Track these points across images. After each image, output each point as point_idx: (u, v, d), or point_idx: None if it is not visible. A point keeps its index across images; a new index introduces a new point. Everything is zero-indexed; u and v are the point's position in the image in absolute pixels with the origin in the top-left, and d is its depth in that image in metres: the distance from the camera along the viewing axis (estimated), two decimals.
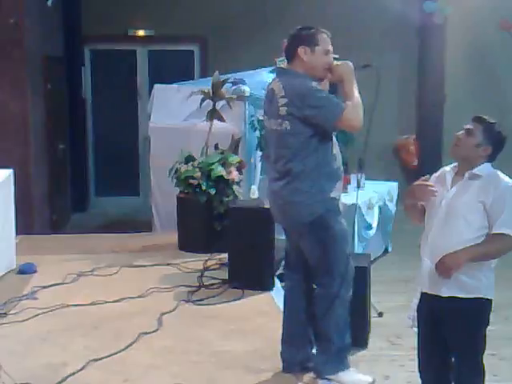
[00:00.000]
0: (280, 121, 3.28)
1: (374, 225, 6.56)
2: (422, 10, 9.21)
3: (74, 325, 4.13)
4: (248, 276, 4.72)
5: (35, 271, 5.14)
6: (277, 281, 4.84)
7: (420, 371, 3.32)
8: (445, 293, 3.05)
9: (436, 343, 3.17)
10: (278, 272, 4.90)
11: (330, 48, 3.34)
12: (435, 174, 3.28)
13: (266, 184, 5.49)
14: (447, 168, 3.20)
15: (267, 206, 4.79)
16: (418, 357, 3.30)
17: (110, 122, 9.68)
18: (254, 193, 5.94)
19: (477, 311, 3.05)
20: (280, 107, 3.27)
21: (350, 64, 3.32)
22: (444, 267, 2.95)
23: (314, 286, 3.44)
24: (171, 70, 9.38)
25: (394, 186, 7.36)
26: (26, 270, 5.11)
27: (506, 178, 3.04)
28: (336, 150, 3.38)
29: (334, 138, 3.39)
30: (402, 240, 7.28)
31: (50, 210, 7.70)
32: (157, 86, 7.00)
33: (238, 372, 3.51)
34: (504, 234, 2.93)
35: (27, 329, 4.07)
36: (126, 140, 9.73)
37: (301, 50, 3.28)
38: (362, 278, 4.75)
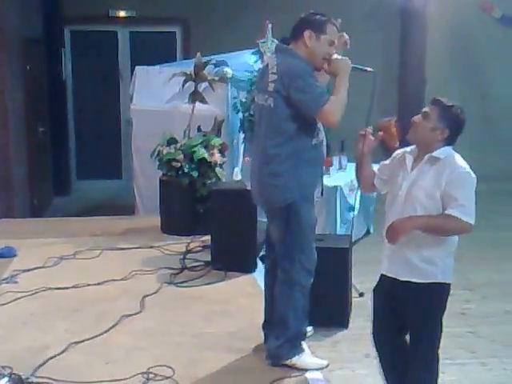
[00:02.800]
0: (266, 96, 3.29)
1: (356, 206, 6.58)
2: None
3: (56, 308, 4.12)
4: (231, 258, 4.72)
5: (15, 255, 5.10)
6: (259, 262, 4.85)
7: (377, 350, 3.30)
8: (402, 276, 3.05)
9: (391, 322, 3.18)
10: (260, 254, 4.92)
11: (336, 41, 3.34)
12: (396, 154, 3.25)
13: (249, 166, 5.52)
14: (408, 149, 3.17)
15: (250, 188, 4.82)
16: (373, 333, 3.28)
17: (91, 104, 9.60)
18: (237, 175, 5.94)
19: (433, 296, 3.03)
20: (269, 82, 3.27)
21: (349, 62, 3.32)
22: (392, 231, 2.94)
23: None
24: (153, 51, 9.29)
25: (375, 168, 7.38)
26: (5, 254, 5.07)
27: (463, 163, 2.98)
28: (321, 136, 3.38)
29: (320, 125, 3.38)
30: (384, 221, 7.32)
31: (31, 194, 7.64)
32: (138, 68, 6.94)
33: (220, 353, 3.52)
34: (455, 216, 2.89)
35: (8, 312, 4.05)
36: (108, 122, 9.67)
37: (307, 33, 3.27)
38: (343, 259, 4.79)
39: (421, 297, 3.02)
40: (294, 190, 3.28)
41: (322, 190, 4.93)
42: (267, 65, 3.36)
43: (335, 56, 3.33)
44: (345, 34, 3.45)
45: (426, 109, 3.07)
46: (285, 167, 3.26)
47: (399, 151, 3.26)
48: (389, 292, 3.15)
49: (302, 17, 3.36)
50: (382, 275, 3.17)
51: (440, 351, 3.09)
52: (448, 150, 3.03)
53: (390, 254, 3.10)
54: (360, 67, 3.42)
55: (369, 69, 3.43)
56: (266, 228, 3.60)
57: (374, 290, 3.27)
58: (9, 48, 6.95)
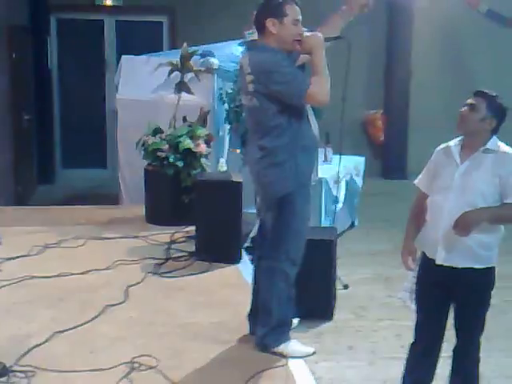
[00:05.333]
0: (250, 97, 3.28)
1: (341, 199, 6.61)
2: None
3: (39, 297, 4.11)
4: (215, 249, 4.73)
5: None
6: (244, 253, 4.86)
7: (419, 336, 3.38)
8: (462, 264, 3.14)
9: (440, 310, 3.27)
10: (245, 245, 4.93)
11: (300, 18, 3.28)
12: (440, 149, 3.30)
13: (235, 157, 5.51)
14: (451, 143, 3.25)
15: (235, 179, 4.83)
16: (418, 320, 3.37)
17: (76, 93, 9.54)
18: (223, 166, 5.94)
19: (489, 279, 3.19)
20: (248, 84, 3.26)
21: (320, 35, 3.25)
22: (464, 224, 3.01)
23: None
24: (139, 41, 9.25)
25: (360, 161, 7.41)
26: None
27: None
28: (311, 119, 3.38)
29: (309, 109, 3.38)
30: (368, 214, 7.36)
31: (15, 182, 7.60)
32: (124, 57, 6.90)
33: (204, 344, 3.53)
34: None
35: None
36: (93, 111, 9.62)
37: (269, 22, 3.23)
38: (327, 252, 4.81)
39: (479, 281, 3.15)
40: (292, 178, 3.28)
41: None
42: (242, 64, 3.34)
43: (305, 34, 3.26)
44: None
45: (471, 101, 3.14)
46: (284, 156, 3.26)
47: (441, 146, 3.31)
48: (443, 283, 3.21)
49: (259, 6, 3.30)
50: (436, 265, 3.20)
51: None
52: (496, 140, 3.15)
53: (446, 244, 3.14)
54: (332, 37, 3.35)
55: (342, 36, 3.39)
56: (257, 219, 3.59)
57: (421, 281, 3.31)
58: None
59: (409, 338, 3.38)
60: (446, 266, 3.18)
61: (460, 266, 3.14)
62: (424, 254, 3.30)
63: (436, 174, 3.26)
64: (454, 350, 3.28)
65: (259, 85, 3.21)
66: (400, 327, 4.55)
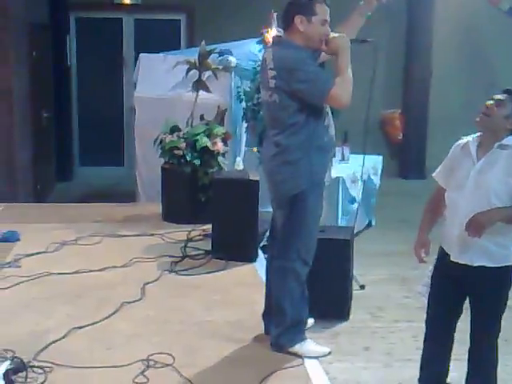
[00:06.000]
0: (270, 92, 3.27)
1: (358, 198, 6.59)
2: None
3: (57, 293, 4.13)
4: (232, 247, 4.73)
5: (18, 239, 5.12)
6: (260, 252, 4.86)
7: (430, 333, 3.41)
8: (476, 262, 3.13)
9: (453, 308, 3.30)
10: (261, 244, 4.93)
11: (328, 18, 3.27)
12: (458, 144, 3.30)
13: (252, 156, 5.50)
14: (469, 138, 3.24)
15: (252, 177, 4.83)
16: (429, 317, 3.40)
17: (95, 91, 9.60)
18: (239, 164, 5.94)
19: (505, 278, 3.18)
20: (270, 79, 3.25)
21: (346, 38, 3.25)
22: (477, 224, 3.00)
23: None
24: (157, 39, 9.28)
25: (378, 160, 7.38)
26: (8, 238, 5.08)
27: None
28: (328, 120, 3.36)
29: (328, 108, 3.37)
30: (386, 214, 7.34)
31: (34, 179, 7.65)
32: (143, 55, 6.92)
33: (220, 342, 3.54)
34: None
35: (10, 296, 4.07)
36: (111, 109, 9.67)
37: (297, 19, 3.22)
38: (344, 251, 4.80)
39: (493, 280, 3.14)
40: (306, 177, 3.27)
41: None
42: (265, 59, 3.33)
43: (332, 34, 3.26)
44: None
45: (499, 96, 3.12)
46: (298, 155, 3.26)
47: (461, 141, 3.30)
48: (457, 278, 3.22)
49: (289, 2, 3.29)
50: (451, 262, 3.21)
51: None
52: None
53: (461, 242, 3.14)
54: (359, 39, 3.35)
55: (369, 39, 3.37)
56: (271, 217, 3.60)
57: (436, 275, 3.34)
58: (15, 34, 6.94)
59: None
60: (460, 264, 3.18)
61: (475, 264, 3.14)
62: (442, 248, 3.30)
63: (453, 169, 3.26)
64: (470, 351, 3.26)
65: (281, 81, 3.19)
66: (417, 328, 4.51)
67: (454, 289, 3.25)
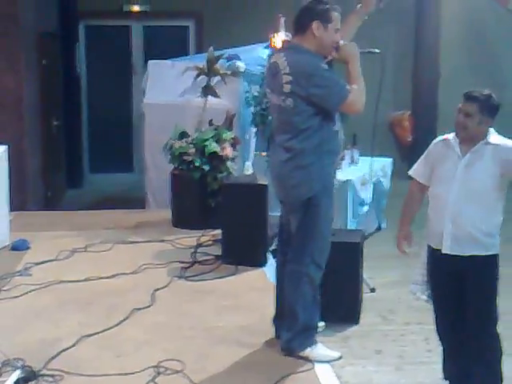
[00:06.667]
0: (283, 97, 3.27)
1: (368, 201, 6.56)
2: None
3: (68, 301, 4.15)
4: (241, 252, 4.73)
5: (28, 247, 5.14)
6: (270, 257, 4.86)
7: (439, 331, 3.48)
8: (467, 252, 3.24)
9: (455, 298, 3.35)
10: (271, 248, 4.92)
11: (339, 27, 3.33)
12: (438, 141, 3.41)
13: (261, 160, 5.49)
14: (449, 136, 3.35)
15: (261, 182, 4.83)
16: (436, 321, 3.47)
17: (104, 98, 9.63)
18: (248, 169, 5.94)
19: (493, 266, 3.29)
20: (284, 84, 3.25)
21: (356, 46, 3.31)
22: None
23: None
24: (166, 45, 9.31)
25: (388, 162, 7.35)
26: (19, 247, 5.11)
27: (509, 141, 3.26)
28: (338, 125, 3.39)
29: (337, 114, 3.39)
30: (396, 217, 7.25)
31: (45, 187, 7.69)
32: (151, 62, 6.95)
33: (231, 347, 3.54)
34: None
35: (20, 305, 4.08)
36: (121, 116, 9.71)
37: (315, 24, 3.25)
38: (354, 254, 4.79)
39: (484, 268, 3.26)
40: (318, 180, 3.29)
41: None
42: (276, 63, 3.32)
43: (342, 42, 3.32)
44: None
45: (464, 108, 3.22)
46: (311, 159, 3.27)
47: (439, 138, 3.43)
48: (451, 271, 3.30)
49: (305, 7, 3.33)
50: (443, 254, 3.30)
51: None
52: (494, 132, 3.28)
53: (452, 233, 3.25)
54: (366, 50, 3.41)
55: (376, 50, 3.44)
56: (278, 222, 3.60)
57: (432, 273, 3.42)
58: (25, 42, 7.00)
59: (437, 342, 3.36)
60: (452, 255, 3.26)
61: (466, 254, 3.24)
62: (429, 246, 3.35)
63: (435, 166, 3.34)
64: (469, 343, 3.31)
65: (297, 86, 3.20)
66: (428, 331, 4.47)
67: (454, 284, 3.32)
